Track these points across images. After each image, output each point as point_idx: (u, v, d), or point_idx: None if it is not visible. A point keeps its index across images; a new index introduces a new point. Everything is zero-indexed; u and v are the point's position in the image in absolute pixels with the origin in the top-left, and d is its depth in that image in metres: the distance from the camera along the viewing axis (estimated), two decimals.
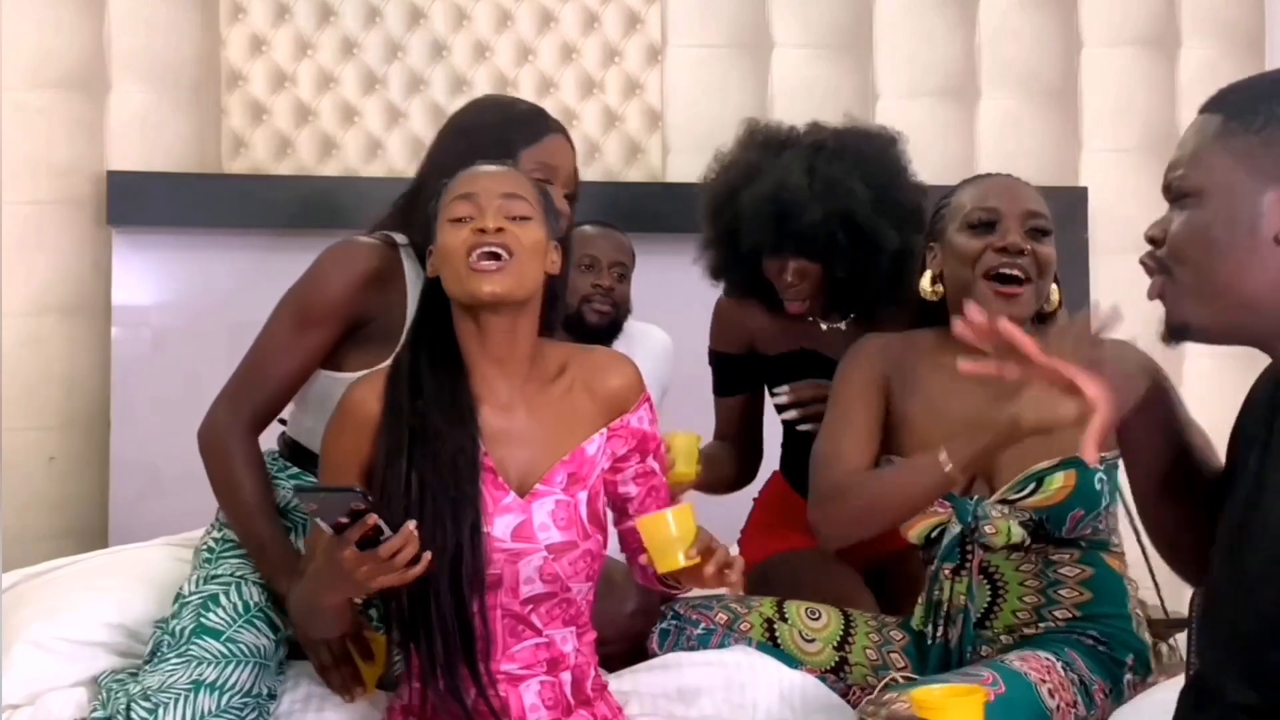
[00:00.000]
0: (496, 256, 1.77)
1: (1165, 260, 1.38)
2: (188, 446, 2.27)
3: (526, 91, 3.56)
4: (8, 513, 2.36)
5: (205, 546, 2.14)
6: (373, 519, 1.60)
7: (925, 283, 2.17)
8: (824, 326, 2.53)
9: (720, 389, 2.67)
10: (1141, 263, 1.44)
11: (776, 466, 2.73)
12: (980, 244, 2.08)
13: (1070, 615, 2.06)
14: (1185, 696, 1.48)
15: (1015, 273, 2.05)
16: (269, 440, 2.17)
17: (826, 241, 2.36)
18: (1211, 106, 1.39)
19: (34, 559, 2.64)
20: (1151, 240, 1.41)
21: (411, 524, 1.64)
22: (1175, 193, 1.39)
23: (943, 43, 3.78)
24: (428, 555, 1.65)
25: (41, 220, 3.33)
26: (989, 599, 2.08)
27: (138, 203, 3.25)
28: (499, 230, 1.77)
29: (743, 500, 2.74)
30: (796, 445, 2.56)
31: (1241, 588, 1.37)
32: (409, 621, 1.78)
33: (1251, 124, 1.33)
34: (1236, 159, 1.33)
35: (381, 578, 1.65)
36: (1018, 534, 2.03)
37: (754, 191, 2.41)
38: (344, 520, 1.61)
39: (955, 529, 2.05)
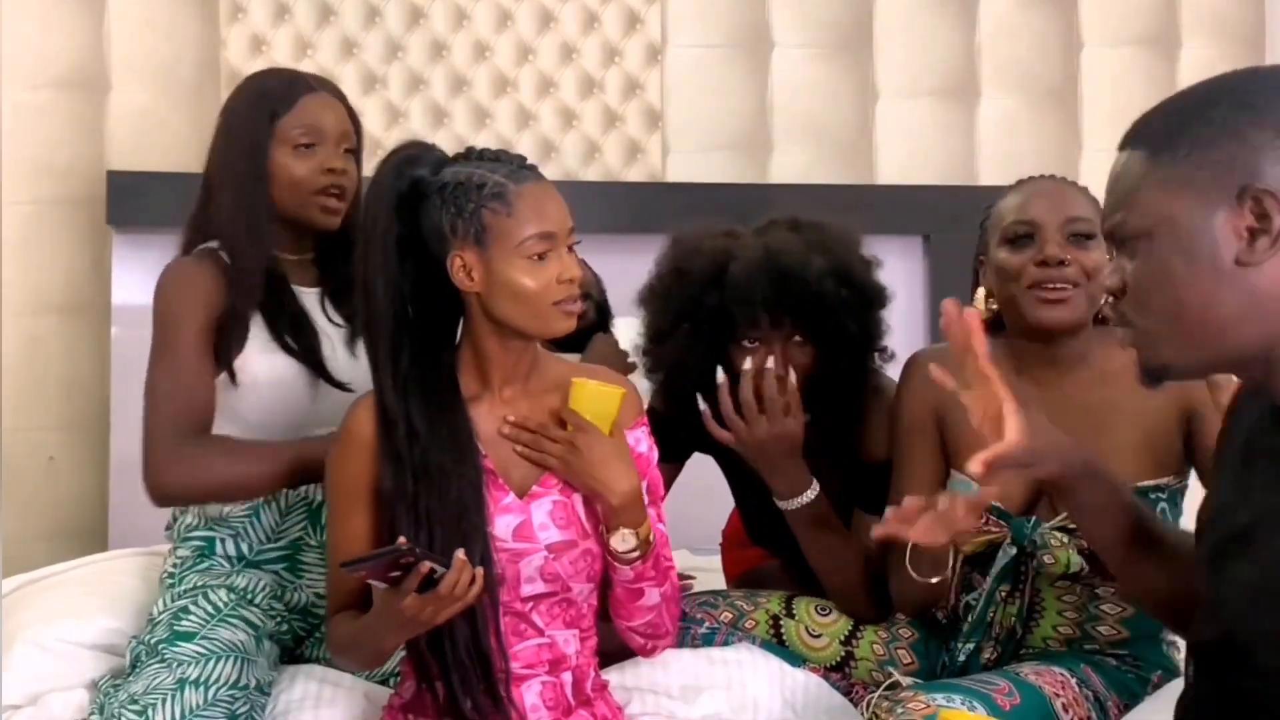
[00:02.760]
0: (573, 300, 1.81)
1: (1128, 312, 1.35)
2: None
3: (526, 92, 3.56)
4: (8, 513, 2.36)
5: (166, 572, 2.17)
6: (425, 567, 1.63)
7: (979, 298, 2.11)
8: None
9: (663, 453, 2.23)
10: (1109, 317, 1.43)
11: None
12: (1021, 259, 2.02)
13: (1099, 650, 2.03)
14: (1180, 708, 1.48)
15: (1060, 289, 2.00)
16: None
17: (828, 320, 2.17)
18: (1130, 143, 1.36)
19: (34, 559, 2.65)
20: (1112, 292, 1.37)
21: (460, 553, 1.66)
22: (1118, 239, 1.36)
23: (943, 43, 3.78)
24: (480, 571, 1.68)
25: (41, 220, 3.33)
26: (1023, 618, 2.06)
27: (138, 203, 3.25)
28: (578, 276, 1.81)
29: (715, 493, 2.71)
30: (746, 494, 2.46)
31: (1224, 605, 1.35)
32: (428, 649, 1.78)
33: (1177, 153, 1.30)
34: (1173, 192, 1.29)
35: (447, 610, 1.68)
36: (1076, 563, 1.96)
37: (753, 262, 2.18)
38: (396, 574, 1.64)
39: (1011, 551, 1.99)
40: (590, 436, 1.80)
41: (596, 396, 1.82)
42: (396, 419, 1.79)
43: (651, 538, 1.85)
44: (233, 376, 2.10)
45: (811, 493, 2.15)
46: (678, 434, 2.33)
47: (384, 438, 1.79)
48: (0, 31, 3.28)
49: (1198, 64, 3.81)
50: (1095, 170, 3.76)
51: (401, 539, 1.65)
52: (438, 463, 1.77)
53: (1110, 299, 1.39)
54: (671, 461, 2.34)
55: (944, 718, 1.48)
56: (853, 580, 2.18)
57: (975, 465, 1.47)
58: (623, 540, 1.82)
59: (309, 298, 2.20)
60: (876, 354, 2.26)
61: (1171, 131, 1.31)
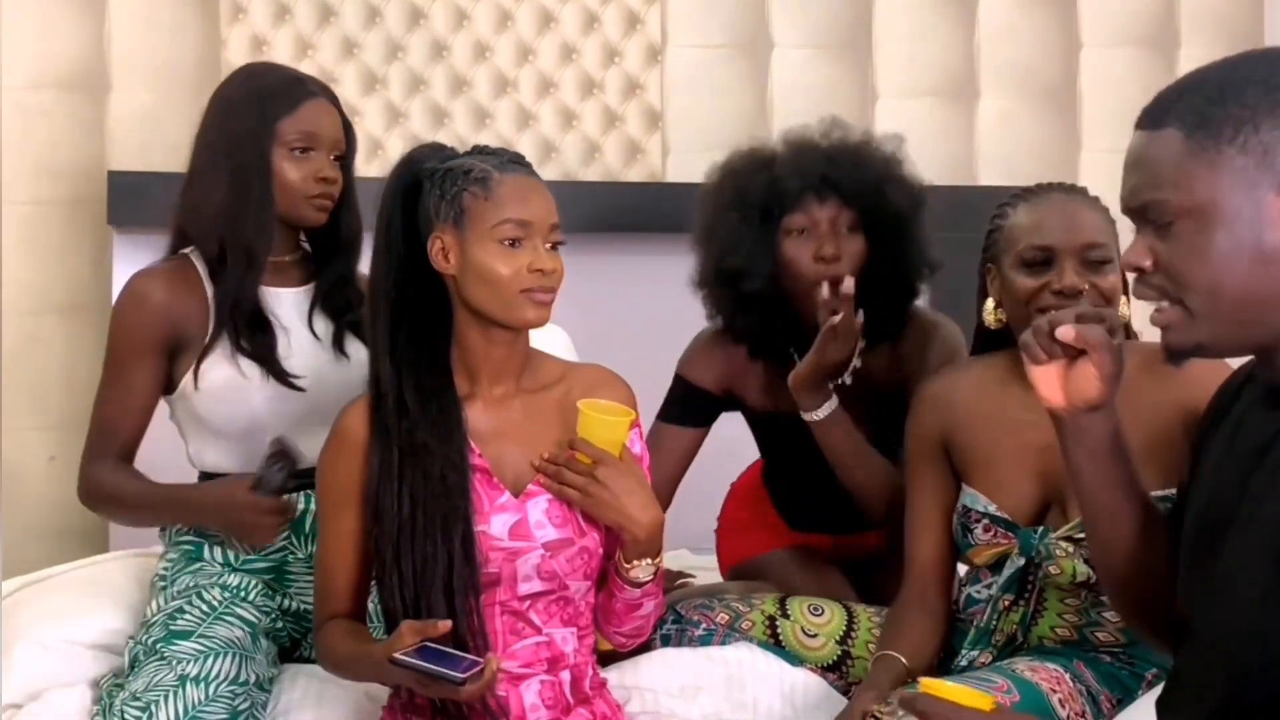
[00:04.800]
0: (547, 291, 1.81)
1: (1168, 288, 1.35)
2: (179, 454, 2.28)
3: (526, 92, 3.56)
4: (8, 513, 2.37)
5: (157, 574, 2.19)
6: (469, 691, 1.66)
7: (989, 308, 2.08)
8: None
9: (679, 418, 2.45)
10: (1138, 295, 1.40)
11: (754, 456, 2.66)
12: (1036, 284, 1.98)
13: (1094, 651, 2.02)
14: (1161, 703, 1.48)
15: None
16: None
17: (873, 192, 2.28)
18: (1160, 122, 1.36)
19: (34, 559, 2.65)
20: (1139, 269, 1.37)
21: (495, 663, 1.68)
22: (1154, 216, 1.35)
23: (942, 43, 3.78)
24: (493, 664, 1.69)
25: (42, 220, 3.33)
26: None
27: (138, 203, 3.24)
28: (553, 270, 1.80)
29: (714, 492, 2.73)
30: (777, 452, 2.52)
31: (1213, 594, 1.36)
32: None
33: (1220, 135, 1.31)
34: (1217, 172, 1.31)
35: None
36: (1083, 572, 1.94)
37: (800, 143, 2.32)
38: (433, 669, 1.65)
39: (1019, 561, 1.99)
40: (612, 469, 1.79)
41: (606, 424, 1.81)
42: (388, 392, 1.80)
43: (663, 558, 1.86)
44: (195, 382, 2.15)
45: (834, 402, 2.24)
46: (705, 397, 2.44)
47: (375, 410, 1.81)
48: (0, 31, 3.29)
49: (1196, 64, 3.78)
50: (1095, 170, 3.77)
51: (468, 677, 1.65)
52: (422, 442, 1.78)
53: (1135, 275, 1.39)
54: (698, 426, 2.44)
55: (924, 685, 1.50)
56: (879, 484, 2.27)
57: (1067, 326, 1.47)
58: (643, 570, 1.83)
59: (285, 298, 2.21)
60: (925, 267, 2.34)
61: (1209, 112, 1.32)
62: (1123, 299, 2.04)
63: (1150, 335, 2.15)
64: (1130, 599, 1.61)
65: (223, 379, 2.15)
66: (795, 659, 2.14)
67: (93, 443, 2.20)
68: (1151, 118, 1.37)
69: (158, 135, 3.38)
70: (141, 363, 2.17)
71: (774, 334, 2.34)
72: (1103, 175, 3.71)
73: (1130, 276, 1.42)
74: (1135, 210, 1.38)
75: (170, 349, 2.17)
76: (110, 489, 2.17)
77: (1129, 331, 2.12)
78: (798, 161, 2.27)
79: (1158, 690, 1.86)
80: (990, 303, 2.08)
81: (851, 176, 2.25)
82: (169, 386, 2.20)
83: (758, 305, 2.29)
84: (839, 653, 2.17)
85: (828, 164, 2.25)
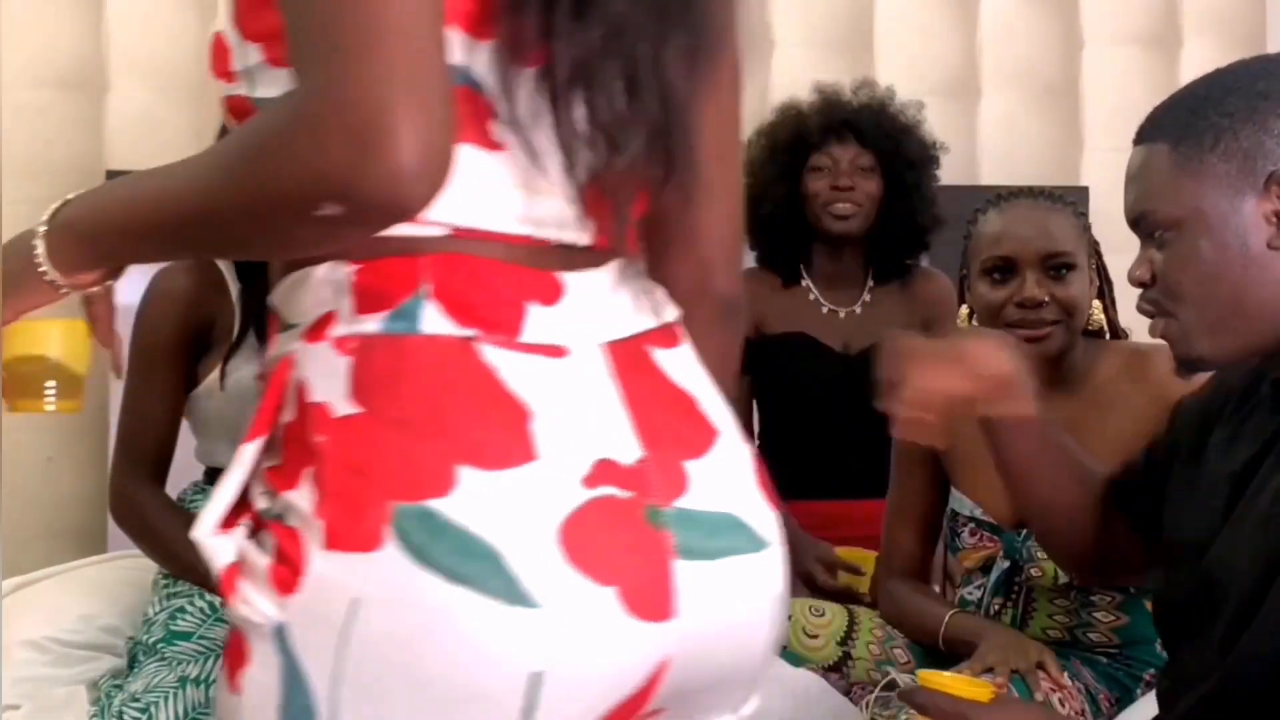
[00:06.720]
0: None
1: (1163, 301, 1.38)
2: (184, 447, 2.27)
3: None
4: (7, 513, 2.37)
5: (158, 574, 2.18)
6: None
7: (962, 315, 2.11)
8: (825, 310, 2.55)
9: None
10: (1140, 310, 1.43)
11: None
12: (1000, 296, 2.00)
13: (1089, 651, 2.03)
14: (1162, 696, 1.49)
15: (1039, 333, 1.98)
16: (183, 476, 2.25)
17: (890, 139, 2.62)
18: (1150, 136, 1.40)
19: (32, 559, 2.64)
20: (1140, 283, 1.40)
21: None
22: (1148, 228, 1.39)
23: (943, 42, 3.77)
24: None
25: (39, 220, 3.32)
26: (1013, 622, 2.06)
27: None
28: None
29: None
30: (776, 443, 2.56)
31: (1210, 585, 1.37)
32: None
33: (1203, 143, 1.33)
34: (1201, 181, 1.33)
35: None
36: (1065, 576, 1.96)
37: (828, 93, 2.70)
38: None
39: (1003, 565, 2.00)
40: None
41: None
42: None
43: None
44: (222, 381, 2.12)
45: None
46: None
47: None
48: (0, 31, 3.28)
49: (1199, 63, 3.80)
50: (1097, 169, 3.76)
51: None
52: None
53: (1140, 289, 1.41)
54: (744, 373, 2.52)
55: (922, 678, 1.51)
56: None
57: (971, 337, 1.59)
58: None
59: None
60: (933, 218, 2.65)
61: (1192, 123, 1.35)
62: (1095, 303, 2.06)
63: (1140, 335, 2.17)
64: (1060, 544, 1.68)
65: (250, 379, 2.13)
66: (796, 659, 2.14)
67: (121, 454, 2.16)
68: (1144, 132, 1.41)
69: (156, 134, 3.37)
70: (170, 364, 2.13)
71: (789, 247, 2.66)
72: (1105, 174, 3.74)
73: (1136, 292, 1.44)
74: (1134, 223, 1.42)
75: (197, 348, 2.14)
76: (140, 514, 2.13)
77: (1116, 331, 2.13)
78: (824, 109, 2.62)
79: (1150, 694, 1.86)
80: (964, 310, 2.10)
81: (872, 124, 2.60)
82: (190, 384, 2.17)
83: (775, 224, 2.62)
84: (840, 653, 2.16)
85: (851, 112, 2.60)
